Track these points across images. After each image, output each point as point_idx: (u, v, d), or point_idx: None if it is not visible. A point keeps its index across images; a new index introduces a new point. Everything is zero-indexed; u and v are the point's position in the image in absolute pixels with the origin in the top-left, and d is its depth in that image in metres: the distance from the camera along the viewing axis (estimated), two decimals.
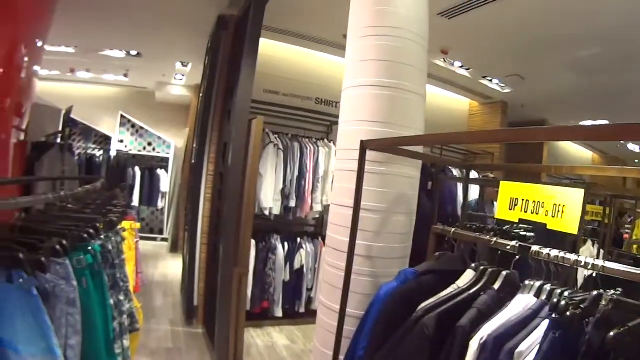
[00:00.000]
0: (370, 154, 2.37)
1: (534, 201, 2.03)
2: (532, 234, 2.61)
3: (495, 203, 5.93)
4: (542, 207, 1.99)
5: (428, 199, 5.33)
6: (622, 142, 10.13)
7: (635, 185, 11.33)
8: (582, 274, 2.75)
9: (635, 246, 4.13)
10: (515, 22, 4.72)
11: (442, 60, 6.07)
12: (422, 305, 1.87)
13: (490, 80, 6.97)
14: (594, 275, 2.33)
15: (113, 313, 1.88)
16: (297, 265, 5.55)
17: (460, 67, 6.37)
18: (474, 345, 1.57)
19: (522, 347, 1.49)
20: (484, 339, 1.55)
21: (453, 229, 2.34)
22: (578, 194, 1.87)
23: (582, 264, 1.66)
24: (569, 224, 1.87)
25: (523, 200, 2.09)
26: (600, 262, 1.62)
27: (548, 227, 1.95)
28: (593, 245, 3.80)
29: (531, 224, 2.06)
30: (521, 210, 2.09)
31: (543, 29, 4.80)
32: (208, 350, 4.58)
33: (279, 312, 5.48)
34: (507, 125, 8.33)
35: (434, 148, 6.83)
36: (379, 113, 2.52)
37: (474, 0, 4.31)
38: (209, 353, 4.50)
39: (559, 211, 1.91)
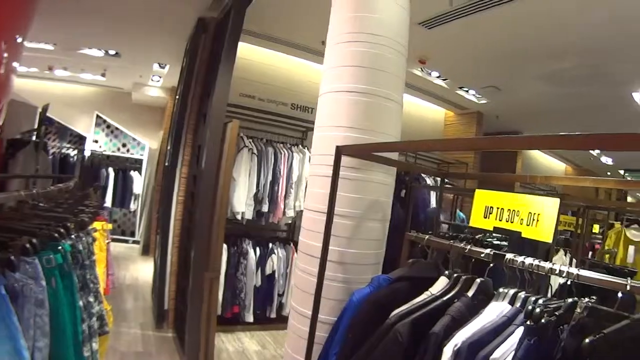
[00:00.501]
0: (345, 160, 2.36)
1: (509, 209, 2.04)
2: (505, 243, 2.63)
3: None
4: (517, 216, 2.00)
5: (401, 206, 5.36)
6: (595, 154, 10.31)
7: (607, 197, 11.54)
8: (555, 282, 2.77)
9: (607, 255, 4.19)
10: (493, 34, 4.77)
11: (420, 69, 6.10)
12: (395, 311, 1.87)
13: (467, 91, 7.02)
14: (568, 283, 2.35)
15: (82, 315, 1.85)
16: (268, 271, 5.51)
17: (438, 77, 6.41)
18: (447, 352, 1.57)
19: (496, 354, 1.50)
20: (458, 345, 1.56)
21: (427, 236, 2.34)
22: (553, 203, 1.88)
23: (557, 271, 1.68)
24: (544, 232, 1.88)
25: (498, 208, 2.10)
26: (575, 270, 1.65)
27: (523, 235, 1.96)
28: (565, 255, 3.84)
29: (506, 232, 2.06)
30: (496, 219, 2.10)
31: (520, 42, 4.85)
32: (178, 354, 4.53)
33: (249, 318, 5.44)
34: (482, 135, 8.34)
35: (408, 156, 6.84)
36: (355, 119, 2.51)
37: (454, 12, 4.33)
38: (179, 357, 4.45)
39: (534, 220, 1.92)
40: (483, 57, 5.53)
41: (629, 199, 13.71)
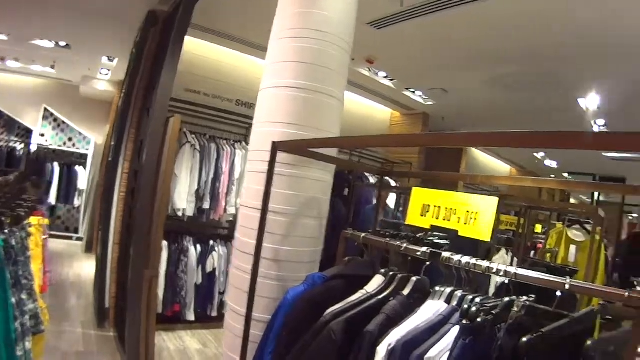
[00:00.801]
0: (282, 156, 2.34)
1: (447, 208, 2.03)
2: (446, 242, 2.62)
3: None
4: (455, 214, 1.99)
5: (344, 205, 5.37)
6: (539, 157, 10.54)
7: (551, 199, 11.82)
8: (495, 282, 2.79)
9: (548, 254, 4.27)
10: (443, 37, 4.79)
11: (367, 69, 6.10)
12: (330, 310, 1.84)
13: (414, 92, 7.06)
14: (506, 282, 2.36)
15: (15, 312, 1.77)
16: (209, 268, 5.44)
17: (385, 77, 6.41)
18: (381, 351, 1.55)
19: (431, 353, 1.49)
20: (392, 344, 1.54)
21: (363, 234, 2.32)
22: (491, 201, 1.88)
23: (494, 270, 1.67)
24: (482, 231, 1.87)
25: (435, 206, 2.09)
26: (512, 269, 1.64)
27: (460, 233, 1.95)
28: (507, 254, 3.90)
29: (443, 231, 2.06)
30: (433, 217, 2.09)
31: (468, 45, 4.89)
32: (119, 354, 4.42)
33: (191, 316, 5.36)
34: None
35: (352, 155, 6.85)
36: (293, 115, 2.49)
37: (404, 13, 4.32)
38: (120, 357, 4.34)
39: (471, 218, 1.91)
40: (431, 59, 5.56)
41: (572, 201, 14.09)
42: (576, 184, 4.31)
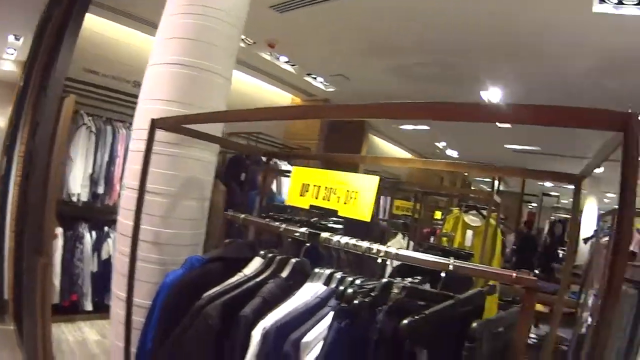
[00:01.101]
0: (162, 135, 2.26)
1: (326, 187, 1.98)
2: (340, 227, 2.58)
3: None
4: (334, 194, 1.93)
5: (241, 189, 5.33)
6: (441, 147, 10.85)
7: (452, 186, 12.20)
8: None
9: (445, 239, 4.36)
10: (346, 23, 4.78)
11: (269, 53, 6.05)
12: (207, 293, 1.78)
13: (315, 78, 7.06)
14: (393, 265, 2.34)
15: None
16: (104, 255, 5.25)
17: (286, 62, 6.39)
18: (256, 335, 1.49)
19: (308, 338, 1.43)
20: (267, 329, 1.48)
21: (243, 215, 2.26)
22: (372, 180, 1.83)
23: (374, 251, 1.64)
24: (361, 210, 1.82)
25: (315, 186, 2.03)
26: (393, 250, 1.61)
27: (339, 213, 1.90)
28: (403, 238, 3.95)
29: (322, 210, 2.01)
30: (312, 197, 2.04)
31: (372, 33, 4.92)
32: (19, 348, 4.21)
33: (89, 306, 5.18)
34: (328, 124, 8.52)
35: (250, 140, 6.78)
36: (175, 92, 2.42)
37: None
38: (20, 351, 4.14)
39: (351, 197, 1.86)
40: (333, 45, 5.56)
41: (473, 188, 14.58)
42: (463, 166, 4.40)
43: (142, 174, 2.17)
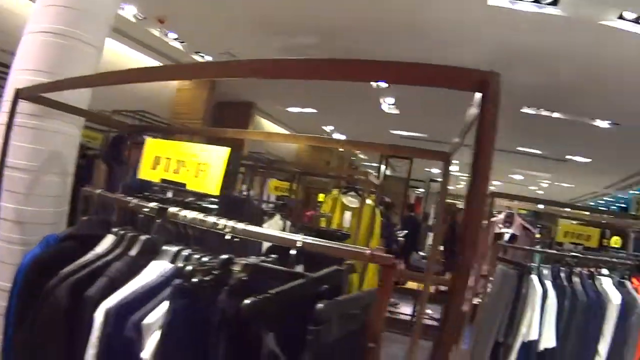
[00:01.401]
0: (29, 107, 2.12)
1: (177, 160, 1.89)
2: (215, 207, 2.50)
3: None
4: (184, 167, 1.86)
5: (121, 169, 5.08)
6: (328, 131, 11.06)
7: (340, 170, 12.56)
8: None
9: (322, 219, 4.41)
10: (237, 0, 4.72)
11: (158, 29, 5.87)
12: (58, 274, 1.65)
13: (203, 57, 6.96)
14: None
15: None
16: None
17: (175, 39, 6.26)
18: (98, 316, 1.40)
19: (149, 319, 1.34)
20: (108, 310, 1.40)
21: (99, 191, 2.13)
22: (221, 152, 1.78)
23: (220, 226, 1.57)
24: (210, 184, 1.77)
25: (167, 159, 1.94)
26: (241, 226, 1.55)
27: (188, 187, 1.84)
28: (281, 219, 3.96)
29: (172, 184, 1.93)
30: (164, 170, 1.94)
31: (261, 11, 4.87)
32: None
33: None
34: (215, 103, 8.49)
35: (135, 118, 6.44)
36: (45, 62, 2.27)
37: None
38: None
39: (201, 170, 1.80)
40: (223, 23, 5.49)
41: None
42: (343, 143, 4.47)
43: (3, 148, 2.04)
